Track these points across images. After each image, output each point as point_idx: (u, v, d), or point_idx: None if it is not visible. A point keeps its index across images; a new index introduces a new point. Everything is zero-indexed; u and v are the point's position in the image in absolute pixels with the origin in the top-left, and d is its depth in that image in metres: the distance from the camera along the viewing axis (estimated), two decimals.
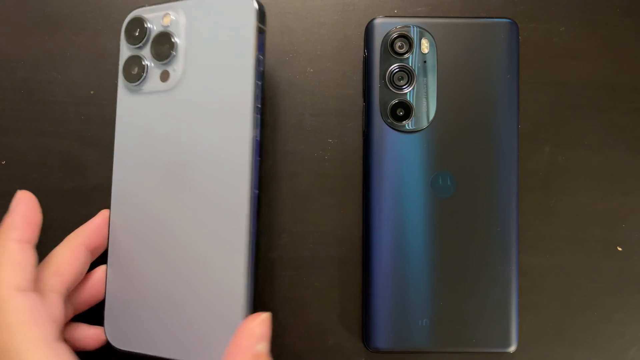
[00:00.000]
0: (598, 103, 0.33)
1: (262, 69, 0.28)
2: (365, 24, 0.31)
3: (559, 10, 0.34)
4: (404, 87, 0.30)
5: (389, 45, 0.30)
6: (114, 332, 0.29)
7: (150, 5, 0.30)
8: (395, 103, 0.30)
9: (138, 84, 0.29)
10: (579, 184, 0.33)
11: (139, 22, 0.29)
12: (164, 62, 0.29)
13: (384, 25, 0.30)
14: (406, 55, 0.30)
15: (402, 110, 0.30)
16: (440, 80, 0.30)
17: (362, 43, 0.32)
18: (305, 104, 0.33)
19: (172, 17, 0.29)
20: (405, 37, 0.30)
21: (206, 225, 0.27)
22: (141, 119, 0.29)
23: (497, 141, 0.30)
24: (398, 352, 0.30)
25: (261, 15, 0.27)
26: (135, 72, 0.29)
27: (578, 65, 0.33)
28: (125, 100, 0.30)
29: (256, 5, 0.27)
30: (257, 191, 0.27)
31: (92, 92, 0.33)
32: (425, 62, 0.30)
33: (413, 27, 0.30)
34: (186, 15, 0.28)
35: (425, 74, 0.30)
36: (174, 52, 0.28)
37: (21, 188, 0.32)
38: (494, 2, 0.33)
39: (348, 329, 0.32)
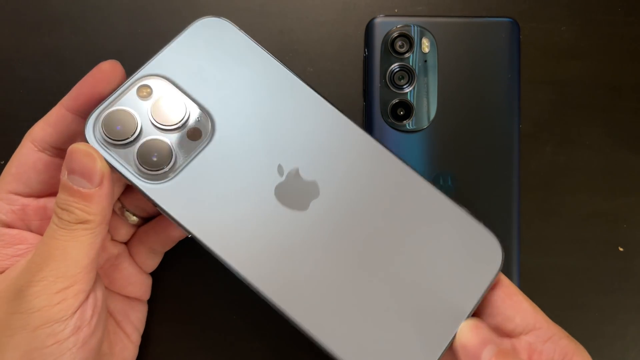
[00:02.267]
0: (599, 103, 0.33)
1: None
2: (366, 24, 0.31)
3: (560, 9, 0.33)
4: (405, 86, 0.30)
5: (389, 44, 0.30)
6: None
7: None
8: (396, 103, 0.30)
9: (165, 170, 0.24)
10: (580, 183, 0.33)
11: (120, 115, 0.25)
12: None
13: (385, 25, 0.30)
14: (407, 55, 0.30)
15: (403, 110, 0.30)
16: (441, 80, 0.30)
17: (362, 42, 0.32)
18: None
19: (149, 87, 0.25)
20: (405, 37, 0.30)
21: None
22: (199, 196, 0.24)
23: (498, 141, 0.30)
24: None
25: None
26: (158, 158, 0.24)
27: (579, 65, 0.33)
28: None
29: None
30: None
31: None
32: (425, 61, 0.30)
33: (413, 27, 0.30)
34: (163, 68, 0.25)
35: (425, 74, 0.30)
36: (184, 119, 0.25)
37: None
38: (494, 1, 0.33)
39: None
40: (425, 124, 0.30)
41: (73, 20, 0.33)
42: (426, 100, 0.30)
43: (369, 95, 0.31)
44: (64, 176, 0.23)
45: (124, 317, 0.29)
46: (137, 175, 0.24)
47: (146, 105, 0.25)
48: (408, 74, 0.30)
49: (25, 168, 0.25)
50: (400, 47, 0.30)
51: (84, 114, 0.25)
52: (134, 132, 0.24)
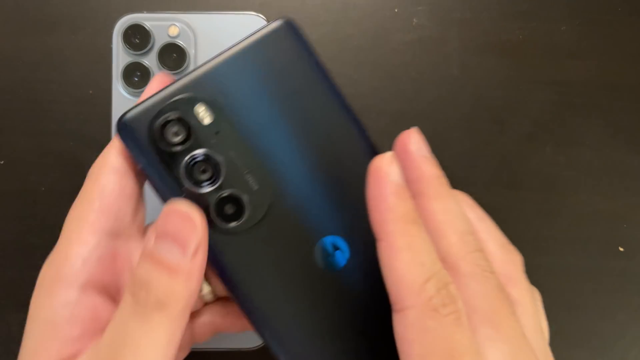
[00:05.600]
0: (599, 102, 0.33)
1: None
2: (365, 24, 0.31)
3: (560, 9, 0.33)
4: (209, 182, 0.20)
5: (159, 141, 0.20)
6: None
7: (145, 10, 0.31)
8: (221, 199, 0.20)
9: (141, 90, 0.30)
10: (580, 184, 0.33)
11: (139, 29, 0.30)
12: (173, 72, 0.30)
13: (139, 119, 0.20)
14: (187, 144, 0.20)
15: (232, 208, 0.21)
16: (248, 140, 0.21)
17: (363, 42, 0.32)
18: None
19: (179, 28, 0.30)
20: (173, 122, 0.20)
21: None
22: None
23: (349, 159, 0.23)
24: None
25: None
26: (139, 79, 0.30)
27: (579, 65, 0.33)
28: (123, 103, 0.30)
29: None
30: None
31: (90, 92, 0.33)
32: (217, 132, 0.20)
33: (176, 102, 0.20)
34: (194, 29, 0.30)
35: (227, 146, 0.20)
36: (185, 64, 0.30)
37: (21, 188, 0.32)
38: (494, 1, 0.33)
39: None
40: (264, 208, 0.21)
41: (72, 19, 0.33)
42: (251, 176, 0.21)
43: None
44: (150, 242, 0.18)
45: None
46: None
47: (163, 39, 0.30)
48: (208, 163, 0.20)
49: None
50: (175, 135, 0.20)
51: None
52: (142, 49, 0.30)
